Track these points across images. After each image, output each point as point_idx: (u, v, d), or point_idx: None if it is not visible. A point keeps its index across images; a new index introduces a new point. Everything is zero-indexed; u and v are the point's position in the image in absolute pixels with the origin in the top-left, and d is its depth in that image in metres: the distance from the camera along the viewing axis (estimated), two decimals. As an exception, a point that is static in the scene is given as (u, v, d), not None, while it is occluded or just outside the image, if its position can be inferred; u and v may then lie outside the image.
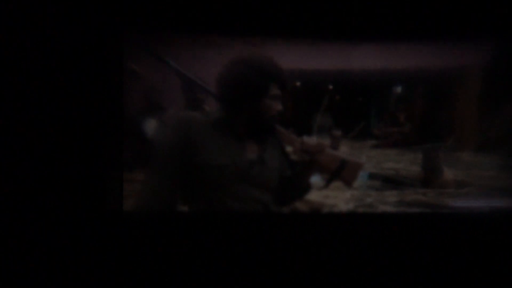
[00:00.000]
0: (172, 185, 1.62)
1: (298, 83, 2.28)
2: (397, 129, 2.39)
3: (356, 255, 1.84)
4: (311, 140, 1.68)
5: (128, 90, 1.80)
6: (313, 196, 1.95)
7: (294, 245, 1.84)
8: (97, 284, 1.74)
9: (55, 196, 1.70)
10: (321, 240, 1.85)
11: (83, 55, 1.70)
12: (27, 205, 1.69)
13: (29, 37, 1.67)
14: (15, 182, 1.68)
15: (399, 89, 2.34)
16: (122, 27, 1.75)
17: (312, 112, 2.26)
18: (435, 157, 2.18)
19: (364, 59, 2.08)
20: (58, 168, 1.70)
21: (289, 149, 1.72)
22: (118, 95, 1.76)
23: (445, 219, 1.93)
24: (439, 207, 2.02)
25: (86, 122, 1.71)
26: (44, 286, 1.71)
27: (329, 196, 2.04)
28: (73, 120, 1.70)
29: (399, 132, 2.38)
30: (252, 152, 1.65)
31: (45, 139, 1.69)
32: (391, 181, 2.19)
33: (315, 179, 1.79)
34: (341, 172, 1.69)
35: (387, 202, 2.06)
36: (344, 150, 2.26)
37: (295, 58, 2.02)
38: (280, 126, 1.67)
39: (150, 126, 1.95)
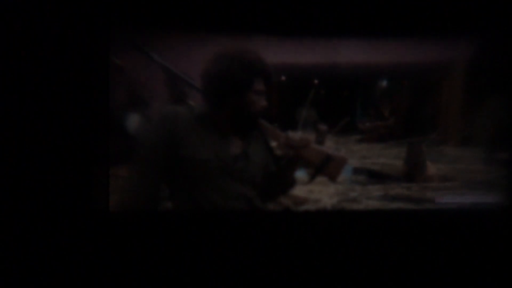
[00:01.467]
0: (156, 180, 1.61)
1: (283, 78, 2.28)
2: (382, 123, 2.39)
3: (341, 251, 1.85)
4: (296, 135, 1.69)
5: (112, 84, 1.79)
6: (298, 191, 1.95)
7: (279, 241, 1.85)
8: (83, 284, 1.73)
9: (40, 192, 1.70)
10: (305, 236, 1.85)
11: (69, 50, 1.71)
12: (11, 203, 1.68)
13: (15, 32, 1.66)
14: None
15: (384, 84, 2.35)
16: (108, 22, 1.75)
17: (297, 107, 2.26)
18: (419, 151, 2.19)
19: (350, 53, 2.08)
20: (42, 164, 1.70)
21: (273, 144, 1.72)
22: (104, 90, 1.76)
23: (429, 214, 1.96)
24: (423, 201, 2.02)
25: (71, 117, 1.71)
26: (28, 286, 1.70)
27: (313, 191, 2.04)
28: (58, 115, 1.70)
29: (384, 127, 2.38)
30: (236, 147, 1.65)
31: (30, 135, 1.69)
32: (375, 176, 2.20)
33: (300, 174, 1.79)
34: (325, 167, 1.69)
35: (372, 196, 2.07)
36: (329, 145, 2.26)
37: (280, 53, 2.02)
38: (265, 121, 1.66)
39: (134, 120, 1.94)
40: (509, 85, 1.94)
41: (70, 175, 1.72)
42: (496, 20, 1.85)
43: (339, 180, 1.79)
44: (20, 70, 1.67)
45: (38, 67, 1.69)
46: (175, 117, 1.60)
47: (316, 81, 2.25)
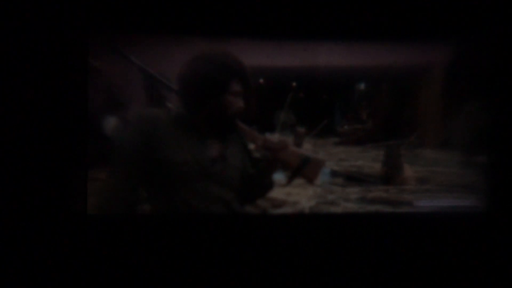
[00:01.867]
0: (133, 183, 1.61)
1: (261, 81, 2.27)
2: (360, 126, 2.39)
3: (319, 254, 1.85)
4: (274, 137, 1.73)
5: (90, 87, 1.78)
6: (276, 193, 1.94)
7: (257, 244, 1.84)
8: (61, 286, 1.72)
9: (17, 195, 1.69)
10: (283, 239, 1.85)
11: (47, 53, 1.70)
12: None
13: None
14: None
15: (362, 87, 2.35)
16: (87, 25, 1.75)
17: (275, 110, 2.26)
18: (396, 154, 2.19)
19: (328, 56, 2.08)
20: (20, 166, 1.69)
21: (251, 146, 1.72)
22: (83, 93, 1.76)
23: (407, 217, 1.98)
24: (401, 203, 2.03)
25: (49, 119, 1.71)
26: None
27: (291, 193, 2.03)
28: (36, 117, 1.70)
29: (362, 130, 2.38)
30: (214, 150, 1.65)
31: (7, 137, 1.68)
32: (353, 178, 2.20)
33: (278, 177, 1.79)
34: (303, 169, 1.71)
35: (349, 199, 2.07)
36: (308, 147, 2.25)
37: (259, 55, 2.01)
38: (243, 123, 1.68)
39: (111, 123, 1.92)
40: (487, 89, 1.96)
41: (48, 177, 1.71)
42: (474, 24, 1.87)
43: (317, 182, 1.79)
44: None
45: (16, 70, 1.68)
46: (151, 120, 1.60)
47: (294, 84, 2.25)
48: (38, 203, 1.70)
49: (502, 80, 1.91)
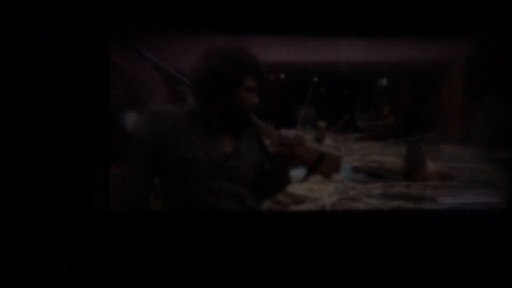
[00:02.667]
0: (145, 180, 1.61)
1: (283, 76, 2.27)
2: (381, 122, 2.39)
3: (336, 252, 1.83)
4: (289, 132, 1.68)
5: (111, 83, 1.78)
6: (297, 189, 1.95)
7: (272, 241, 1.83)
8: (82, 284, 1.72)
9: (40, 192, 1.68)
10: (297, 237, 1.84)
11: (68, 49, 1.68)
12: (11, 202, 1.67)
13: (15, 31, 1.64)
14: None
15: (383, 82, 2.34)
16: (108, 22, 1.73)
17: (296, 105, 2.26)
18: (418, 149, 2.19)
19: (349, 52, 2.07)
20: (43, 163, 1.68)
21: (267, 142, 1.70)
22: (104, 89, 1.75)
23: (429, 214, 1.95)
24: (423, 199, 2.03)
25: (71, 116, 1.69)
26: (27, 286, 1.69)
27: (313, 189, 2.04)
28: (58, 114, 1.68)
29: (383, 125, 2.38)
30: (227, 146, 1.64)
31: (30, 134, 1.67)
32: (375, 174, 2.19)
33: (297, 172, 1.78)
34: (319, 165, 1.68)
35: (371, 194, 2.07)
36: (329, 143, 2.25)
37: (280, 51, 2.02)
38: (258, 119, 1.66)
39: (132, 120, 1.93)
40: (509, 84, 1.94)
41: (70, 174, 1.70)
42: (496, 19, 1.84)
43: (339, 178, 1.78)
44: (20, 69, 1.66)
45: (38, 67, 1.67)
46: (163, 116, 1.60)
47: (315, 79, 2.24)
48: (61, 200, 1.70)
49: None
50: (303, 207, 2.00)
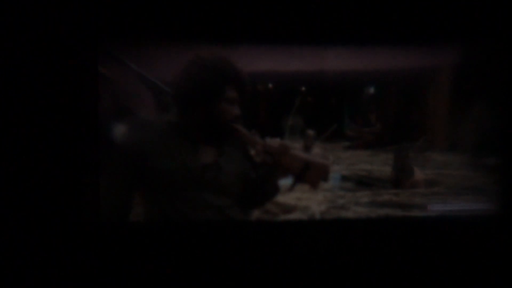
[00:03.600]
0: (125, 191, 1.60)
1: (270, 85, 2.28)
2: (369, 130, 2.40)
3: (326, 261, 1.83)
4: (274, 141, 1.65)
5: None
6: (286, 198, 1.94)
7: (263, 251, 1.83)
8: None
9: (30, 202, 1.69)
10: (290, 246, 1.84)
11: (58, 62, 1.70)
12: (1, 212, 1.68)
13: (4, 42, 1.65)
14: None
15: (370, 90, 2.35)
16: (96, 34, 1.73)
17: (284, 114, 2.26)
18: (405, 157, 2.20)
19: (336, 61, 2.07)
20: (33, 173, 1.69)
21: (252, 151, 1.70)
22: (93, 100, 1.74)
23: (418, 221, 1.97)
24: (411, 206, 2.03)
25: (61, 127, 1.70)
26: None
27: (301, 198, 2.03)
28: (48, 125, 1.69)
29: (371, 132, 2.39)
30: (207, 156, 1.62)
31: (20, 144, 1.67)
32: (363, 183, 2.20)
33: (287, 181, 1.75)
34: (305, 174, 1.65)
35: (360, 202, 2.07)
36: (317, 151, 2.26)
37: (267, 60, 2.02)
38: (242, 127, 1.63)
39: (120, 130, 1.93)
40: (495, 91, 1.96)
41: (60, 184, 1.70)
42: (482, 27, 1.85)
43: (328, 187, 1.77)
44: (10, 80, 1.67)
45: (28, 78, 1.68)
46: (142, 127, 1.60)
47: (303, 88, 2.25)
48: (51, 210, 1.70)
49: (510, 82, 1.90)
50: (293, 216, 2.00)
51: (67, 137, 1.71)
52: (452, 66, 2.15)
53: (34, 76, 1.68)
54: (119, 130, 1.78)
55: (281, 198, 1.84)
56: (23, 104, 1.68)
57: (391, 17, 1.83)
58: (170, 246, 1.79)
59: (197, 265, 1.79)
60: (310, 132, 2.28)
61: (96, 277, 1.73)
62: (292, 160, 1.65)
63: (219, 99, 1.57)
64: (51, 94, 1.70)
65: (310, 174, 1.65)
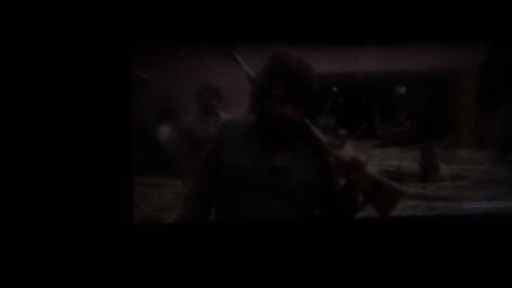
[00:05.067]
0: (210, 191, 1.61)
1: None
2: (399, 129, 2.41)
3: (361, 260, 1.85)
4: (347, 155, 1.56)
5: (138, 97, 1.78)
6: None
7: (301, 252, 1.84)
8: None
9: (62, 205, 1.71)
10: (327, 244, 1.83)
11: (91, 63, 1.71)
12: (33, 216, 1.69)
13: (37, 44, 1.68)
14: (19, 189, 1.68)
15: (400, 90, 2.37)
16: (128, 36, 1.76)
17: (317, 114, 2.30)
18: (431, 154, 2.22)
19: (367, 62, 2.10)
20: (65, 176, 1.71)
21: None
22: (126, 102, 1.77)
23: (443, 219, 2.01)
24: (437, 199, 2.06)
25: (94, 130, 1.72)
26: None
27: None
28: (82, 128, 1.71)
29: (401, 132, 2.40)
30: (279, 159, 1.58)
31: (53, 147, 1.70)
32: (392, 178, 2.21)
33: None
34: (374, 196, 1.54)
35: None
36: (349, 149, 2.29)
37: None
38: (320, 132, 1.59)
39: (164, 132, 1.97)
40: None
41: (93, 188, 1.72)
42: (509, 26, 1.87)
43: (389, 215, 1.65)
44: (43, 84, 1.69)
45: (61, 80, 1.70)
46: (225, 126, 1.61)
47: (334, 89, 2.28)
48: (85, 214, 1.71)
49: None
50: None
51: (100, 140, 1.72)
52: (479, 65, 2.16)
53: (67, 79, 1.70)
54: (174, 131, 1.82)
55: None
56: (57, 108, 1.69)
57: (421, 17, 1.84)
58: (204, 249, 1.76)
59: (237, 270, 1.77)
60: (342, 132, 2.29)
61: (128, 279, 1.74)
62: (362, 178, 1.55)
63: (266, 98, 1.54)
64: (85, 96, 1.71)
65: (378, 198, 1.55)
